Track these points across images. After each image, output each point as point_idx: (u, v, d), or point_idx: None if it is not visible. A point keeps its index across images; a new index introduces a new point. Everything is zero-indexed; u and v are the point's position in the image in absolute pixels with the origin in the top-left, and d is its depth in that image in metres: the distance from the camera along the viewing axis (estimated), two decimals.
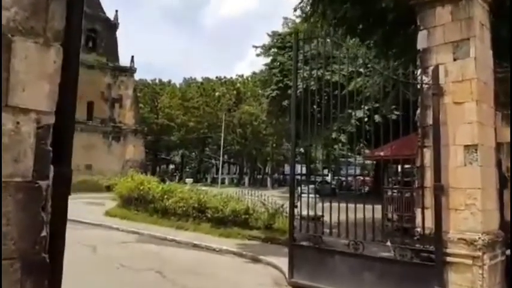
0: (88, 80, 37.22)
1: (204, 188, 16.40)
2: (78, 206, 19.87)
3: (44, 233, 1.72)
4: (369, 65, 6.28)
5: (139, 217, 14.29)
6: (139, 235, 11.82)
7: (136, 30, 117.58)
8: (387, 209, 11.08)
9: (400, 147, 8.48)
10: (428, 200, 5.47)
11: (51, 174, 1.74)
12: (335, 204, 6.66)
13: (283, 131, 35.10)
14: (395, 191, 10.35)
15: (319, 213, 7.47)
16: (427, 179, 5.52)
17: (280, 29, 32.03)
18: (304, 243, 7.39)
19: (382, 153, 9.47)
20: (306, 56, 8.01)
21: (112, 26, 40.61)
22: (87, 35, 38.46)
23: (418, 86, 5.74)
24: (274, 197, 14.42)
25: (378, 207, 7.30)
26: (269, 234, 11.00)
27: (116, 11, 41.48)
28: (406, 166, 7.74)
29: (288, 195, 7.52)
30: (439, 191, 5.30)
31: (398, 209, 9.75)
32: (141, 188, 14.87)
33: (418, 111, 5.78)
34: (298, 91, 7.47)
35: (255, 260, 8.84)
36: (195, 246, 10.27)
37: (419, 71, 5.80)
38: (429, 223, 5.42)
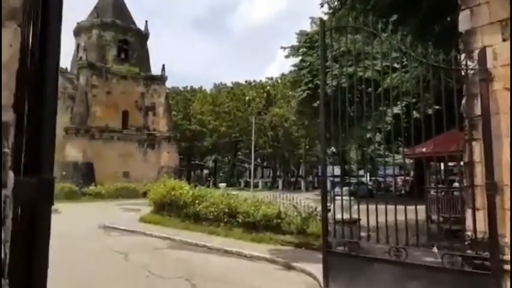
0: (122, 90, 38.20)
1: (235, 192, 16.10)
2: (115, 212, 20.18)
3: None
4: (407, 53, 5.68)
5: (172, 222, 14.18)
6: (171, 241, 11.65)
7: (166, 39, 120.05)
8: (430, 210, 10.36)
9: (442, 143, 7.82)
10: (480, 200, 4.85)
11: (11, 183, 1.40)
12: (372, 207, 6.11)
13: (316, 132, 34.40)
14: (439, 190, 9.61)
15: (356, 216, 6.97)
16: (478, 176, 4.90)
17: (308, 28, 31.47)
18: (340, 248, 6.89)
19: (423, 149, 8.81)
20: (335, 54, 7.53)
21: (143, 36, 41.43)
22: (119, 46, 39.44)
23: (463, 73, 5.14)
24: (309, 200, 13.91)
25: (420, 208, 6.67)
26: (302, 239, 10.51)
27: (146, 21, 42.35)
28: (450, 163, 7.07)
29: (327, 198, 7.04)
30: (492, 189, 4.67)
31: (442, 209, 9.03)
32: (173, 193, 14.77)
33: (464, 100, 5.18)
34: (328, 89, 7.01)
35: (288, 267, 8.39)
36: (226, 252, 9.95)
37: (462, 56, 5.20)
38: (481, 226, 4.79)
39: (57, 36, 1.77)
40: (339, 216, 7.46)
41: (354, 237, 6.73)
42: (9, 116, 1.40)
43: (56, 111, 1.80)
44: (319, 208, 8.41)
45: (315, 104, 28.25)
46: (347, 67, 14.02)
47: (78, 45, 39.63)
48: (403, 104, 9.68)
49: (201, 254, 9.90)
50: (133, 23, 41.50)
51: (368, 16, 7.45)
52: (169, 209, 15.12)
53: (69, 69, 37.92)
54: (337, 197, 7.60)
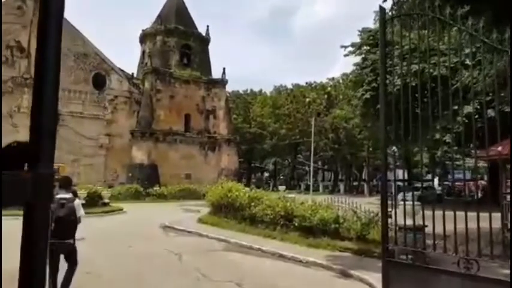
0: (184, 94, 39.44)
1: (293, 195, 15.72)
2: (176, 213, 20.71)
3: None
4: (486, 43, 4.96)
5: (228, 224, 14.16)
6: (226, 243, 11.58)
7: (228, 42, 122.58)
8: (506, 217, 9.32)
9: None
10: None
11: None
12: (440, 213, 5.46)
13: (379, 133, 32.96)
14: None
15: (421, 223, 6.32)
16: None
17: (372, 26, 30.18)
18: (403, 257, 6.29)
19: (499, 148, 7.84)
20: (397, 48, 6.89)
21: (204, 40, 42.48)
22: (181, 51, 40.78)
23: None
24: (371, 205, 13.17)
25: (495, 215, 5.85)
26: (362, 245, 9.90)
27: (207, 26, 43.38)
28: None
29: (388, 202, 6.47)
30: None
31: None
32: (229, 195, 14.77)
33: None
34: (393, 88, 6.44)
35: (345, 275, 7.87)
36: (281, 256, 9.63)
37: None
38: None
39: (57, 32, 1.67)
40: (403, 222, 6.86)
41: (418, 246, 6.11)
42: None
43: (57, 96, 1.65)
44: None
45: (379, 105, 27.05)
46: (411, 64, 13.09)
47: (143, 52, 41.61)
48: (475, 103, 8.74)
49: (255, 258, 9.67)
50: (195, 28, 42.71)
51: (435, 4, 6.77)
52: (226, 211, 15.15)
53: (135, 75, 39.90)
54: (400, 202, 6.99)
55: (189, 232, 13.71)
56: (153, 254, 9.81)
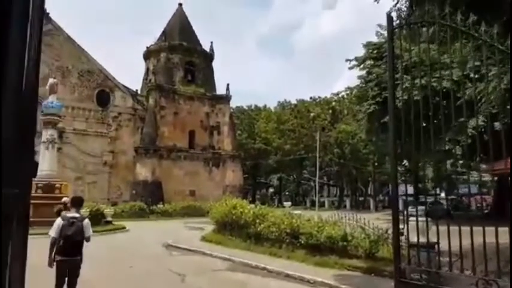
0: (189, 110, 39.47)
1: (298, 211, 15.38)
2: (180, 230, 20.36)
3: None
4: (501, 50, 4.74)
5: (233, 243, 13.80)
6: (230, 262, 11.22)
7: (231, 58, 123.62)
8: None
9: None
10: None
11: None
12: (453, 229, 5.16)
13: (385, 148, 32.63)
14: None
15: (433, 239, 6.00)
16: None
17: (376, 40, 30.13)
18: (416, 277, 5.96)
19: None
20: (405, 62, 6.69)
21: (208, 57, 42.74)
22: (185, 68, 41.00)
23: None
24: (379, 221, 12.81)
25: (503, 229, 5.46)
26: (371, 264, 9.51)
27: (211, 42, 43.88)
28: None
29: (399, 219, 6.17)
30: None
31: None
32: (234, 212, 14.44)
33: None
34: (399, 102, 6.23)
35: None
36: (287, 276, 9.25)
37: None
38: None
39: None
40: (414, 239, 6.53)
41: (432, 265, 5.78)
42: None
43: (35, 118, 1.43)
44: (391, 230, 7.50)
45: (385, 119, 26.77)
46: (420, 78, 12.91)
47: (147, 69, 41.88)
48: (481, 117, 8.47)
49: (260, 278, 9.31)
50: (199, 44, 43.04)
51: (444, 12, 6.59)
52: (230, 229, 14.79)
53: (139, 92, 40.04)
54: (411, 218, 6.68)
55: (192, 251, 13.36)
56: (155, 274, 9.48)
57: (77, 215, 5.97)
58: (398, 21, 9.92)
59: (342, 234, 10.62)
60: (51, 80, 21.27)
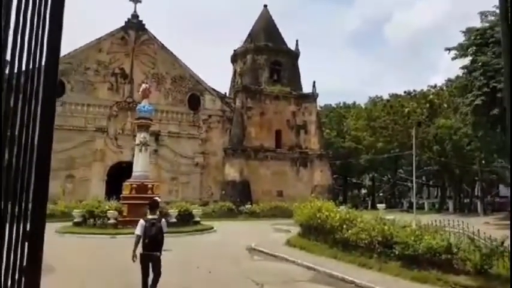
0: (275, 110, 39.24)
1: (392, 216, 13.82)
2: (266, 232, 19.99)
3: None
4: None
5: (318, 249, 12.85)
6: (314, 272, 10.32)
7: (319, 56, 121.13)
8: None
9: None
10: None
11: None
12: None
13: (494, 144, 28.74)
14: None
15: None
16: None
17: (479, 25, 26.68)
18: None
19: None
20: None
21: (293, 55, 42.10)
22: (271, 68, 40.87)
23: None
24: (489, 227, 10.87)
25: None
26: (483, 282, 7.92)
27: (297, 40, 42.97)
28: None
29: (508, 223, 4.79)
30: None
31: None
32: (318, 215, 13.46)
33: None
34: None
35: None
36: None
37: None
38: None
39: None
40: None
41: None
42: None
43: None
44: (508, 241, 6.01)
45: (495, 111, 23.42)
46: None
47: (235, 71, 42.61)
48: None
49: None
50: (285, 43, 42.59)
51: None
52: (316, 233, 13.85)
53: (228, 94, 40.92)
54: None
55: (275, 256, 12.72)
56: (232, 281, 9.02)
57: (156, 216, 6.95)
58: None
59: (445, 245, 9.07)
60: (143, 85, 22.44)
